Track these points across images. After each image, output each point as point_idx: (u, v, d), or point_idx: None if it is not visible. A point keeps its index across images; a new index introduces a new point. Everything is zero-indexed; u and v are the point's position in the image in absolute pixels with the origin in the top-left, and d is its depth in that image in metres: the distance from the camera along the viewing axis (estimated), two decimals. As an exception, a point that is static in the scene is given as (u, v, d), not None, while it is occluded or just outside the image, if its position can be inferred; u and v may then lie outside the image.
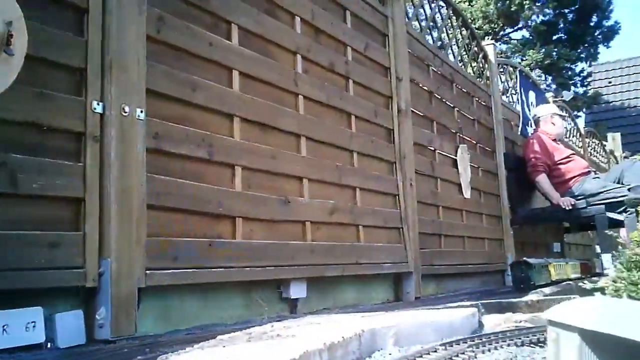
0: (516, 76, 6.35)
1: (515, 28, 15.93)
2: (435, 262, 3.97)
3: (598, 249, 9.07)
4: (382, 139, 3.57)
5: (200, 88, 2.30)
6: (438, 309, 2.30)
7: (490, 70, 5.60)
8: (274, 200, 2.61)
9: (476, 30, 5.12)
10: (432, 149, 4.20)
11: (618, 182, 5.39)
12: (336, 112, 3.16)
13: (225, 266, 2.31)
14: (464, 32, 5.13)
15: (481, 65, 5.54)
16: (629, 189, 5.20)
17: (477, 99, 5.18)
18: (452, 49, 4.92)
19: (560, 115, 5.85)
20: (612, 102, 18.53)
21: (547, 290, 3.06)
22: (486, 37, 12.22)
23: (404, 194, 3.61)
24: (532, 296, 2.77)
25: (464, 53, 5.18)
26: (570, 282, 3.76)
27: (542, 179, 5.39)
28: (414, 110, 3.97)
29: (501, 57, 10.81)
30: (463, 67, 5.03)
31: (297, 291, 2.72)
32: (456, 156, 4.51)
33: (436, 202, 4.13)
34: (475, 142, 5.00)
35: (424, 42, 4.27)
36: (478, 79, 5.36)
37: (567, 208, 5.21)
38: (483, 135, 5.23)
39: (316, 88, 2.99)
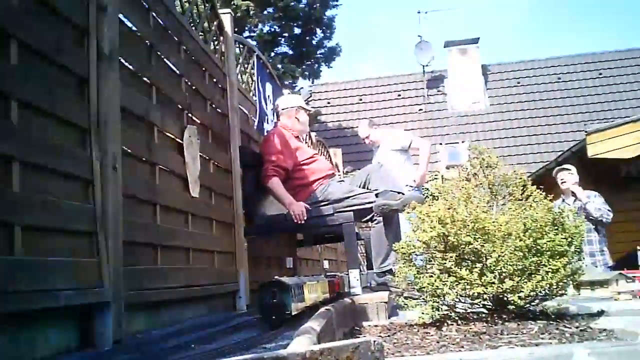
0: (253, 62, 5.42)
1: (243, 37, 15.41)
2: (148, 285, 2.75)
3: (326, 264, 8.68)
4: (68, 89, 2.25)
5: None
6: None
7: (227, 44, 4.56)
8: None
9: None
10: (151, 122, 2.97)
11: (364, 187, 4.75)
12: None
13: None
14: (197, -13, 4.01)
15: (215, 37, 4.48)
16: (376, 195, 4.58)
17: (210, 74, 4.09)
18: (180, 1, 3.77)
19: (306, 110, 5.07)
20: (330, 122, 19.10)
21: (315, 325, 2.04)
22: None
23: (101, 181, 2.32)
24: (301, 342, 1.71)
25: (195, 13, 4.05)
26: (329, 308, 2.82)
27: (274, 183, 4.53)
28: (125, 63, 2.72)
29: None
30: (195, 29, 3.90)
31: None
32: (182, 140, 3.35)
33: (153, 198, 2.91)
34: (207, 127, 3.89)
35: (142, -28, 3.04)
36: (212, 53, 4.27)
37: (298, 219, 4.42)
38: (216, 121, 4.15)
39: None
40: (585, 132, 7.75)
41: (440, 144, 16.47)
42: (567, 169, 6.83)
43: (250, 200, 4.53)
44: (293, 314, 2.55)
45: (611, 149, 7.35)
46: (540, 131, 16.88)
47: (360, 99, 19.37)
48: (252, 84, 5.43)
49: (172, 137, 3.24)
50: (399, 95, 19.09)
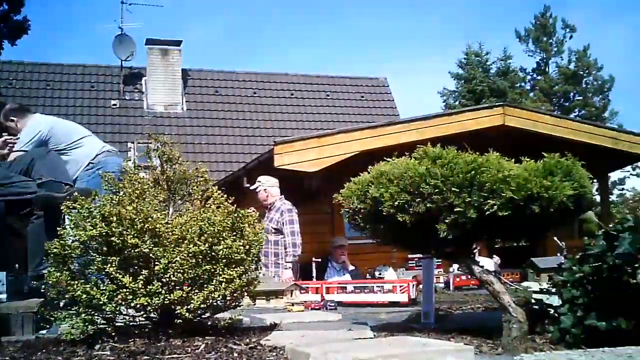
0: None
1: None
2: None
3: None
4: None
5: None
6: None
7: None
8: None
9: None
10: None
11: (26, 174, 4.03)
12: None
13: None
14: None
15: None
16: (39, 184, 3.90)
17: None
18: None
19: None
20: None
21: None
22: None
23: None
24: None
25: None
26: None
27: None
28: None
29: None
30: None
31: None
32: None
33: None
34: None
35: None
36: None
37: None
38: None
39: None
40: (274, 142, 7.88)
41: (133, 142, 15.77)
42: (258, 182, 6.71)
43: None
44: None
45: (296, 162, 7.57)
46: (233, 141, 17.21)
47: (48, 85, 17.61)
48: None
49: None
50: (92, 87, 17.81)
